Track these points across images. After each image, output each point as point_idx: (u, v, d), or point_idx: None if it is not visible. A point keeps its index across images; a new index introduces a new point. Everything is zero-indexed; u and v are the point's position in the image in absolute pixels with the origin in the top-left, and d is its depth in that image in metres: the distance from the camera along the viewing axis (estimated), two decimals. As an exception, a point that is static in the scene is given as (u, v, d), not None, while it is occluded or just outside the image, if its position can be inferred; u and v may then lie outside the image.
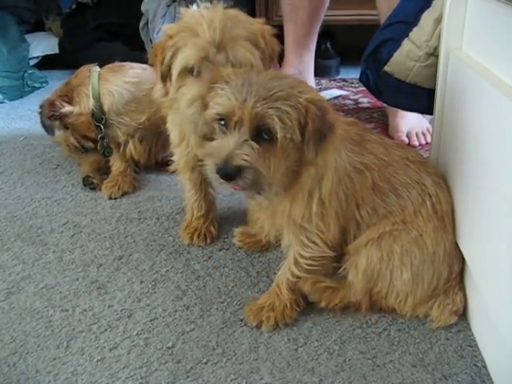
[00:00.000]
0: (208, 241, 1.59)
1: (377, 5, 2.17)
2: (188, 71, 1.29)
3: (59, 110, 1.87)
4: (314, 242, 1.22)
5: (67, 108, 1.87)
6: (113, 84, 1.86)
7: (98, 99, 1.84)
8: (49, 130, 1.94)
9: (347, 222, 1.25)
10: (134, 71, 1.89)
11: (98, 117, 1.86)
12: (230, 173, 1.07)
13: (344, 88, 2.76)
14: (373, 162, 1.23)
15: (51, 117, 1.88)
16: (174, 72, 1.31)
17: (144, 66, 1.90)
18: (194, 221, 1.61)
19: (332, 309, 1.30)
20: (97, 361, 1.20)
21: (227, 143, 1.07)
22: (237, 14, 1.33)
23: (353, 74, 2.89)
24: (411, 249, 1.22)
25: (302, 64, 2.52)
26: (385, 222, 1.24)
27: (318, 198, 1.17)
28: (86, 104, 1.87)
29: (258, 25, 1.34)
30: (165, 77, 1.36)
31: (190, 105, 1.28)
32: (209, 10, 1.31)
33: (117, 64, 1.94)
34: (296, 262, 1.25)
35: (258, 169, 1.07)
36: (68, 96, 1.90)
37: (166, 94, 1.40)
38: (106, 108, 1.85)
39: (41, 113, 1.91)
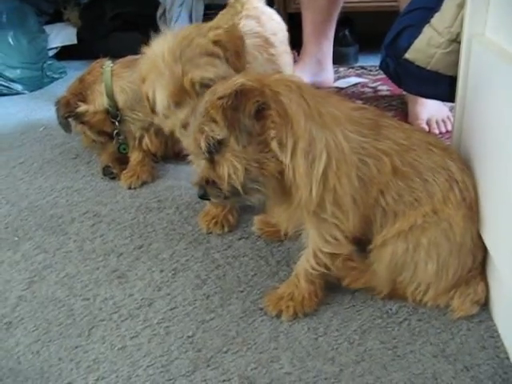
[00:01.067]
0: (225, 229, 1.59)
1: (396, -9, 2.14)
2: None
3: (74, 109, 1.87)
4: (335, 238, 1.20)
5: (82, 107, 1.87)
6: (126, 80, 1.85)
7: (111, 97, 1.85)
8: (65, 128, 1.94)
9: (370, 209, 1.22)
10: None
11: (114, 113, 1.87)
12: (199, 194, 1.18)
13: (362, 75, 2.73)
14: (390, 147, 1.20)
15: (67, 117, 1.89)
16: (159, 110, 1.41)
17: None
18: (213, 209, 1.61)
19: (352, 288, 1.32)
20: (118, 349, 1.22)
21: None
22: (188, 32, 1.40)
23: (371, 61, 2.85)
24: (439, 241, 1.19)
25: (320, 52, 2.50)
26: (415, 214, 1.20)
27: (318, 180, 1.13)
28: (100, 102, 1.87)
29: (208, 36, 1.39)
30: (154, 110, 1.45)
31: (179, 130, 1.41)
32: (163, 41, 1.39)
33: (129, 58, 1.92)
34: (315, 256, 1.23)
35: (213, 179, 1.15)
36: (82, 94, 1.89)
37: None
38: (120, 105, 1.86)
39: (57, 110, 1.91)
